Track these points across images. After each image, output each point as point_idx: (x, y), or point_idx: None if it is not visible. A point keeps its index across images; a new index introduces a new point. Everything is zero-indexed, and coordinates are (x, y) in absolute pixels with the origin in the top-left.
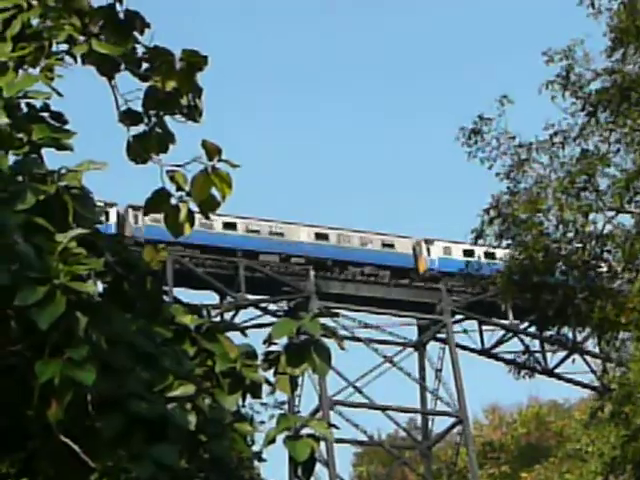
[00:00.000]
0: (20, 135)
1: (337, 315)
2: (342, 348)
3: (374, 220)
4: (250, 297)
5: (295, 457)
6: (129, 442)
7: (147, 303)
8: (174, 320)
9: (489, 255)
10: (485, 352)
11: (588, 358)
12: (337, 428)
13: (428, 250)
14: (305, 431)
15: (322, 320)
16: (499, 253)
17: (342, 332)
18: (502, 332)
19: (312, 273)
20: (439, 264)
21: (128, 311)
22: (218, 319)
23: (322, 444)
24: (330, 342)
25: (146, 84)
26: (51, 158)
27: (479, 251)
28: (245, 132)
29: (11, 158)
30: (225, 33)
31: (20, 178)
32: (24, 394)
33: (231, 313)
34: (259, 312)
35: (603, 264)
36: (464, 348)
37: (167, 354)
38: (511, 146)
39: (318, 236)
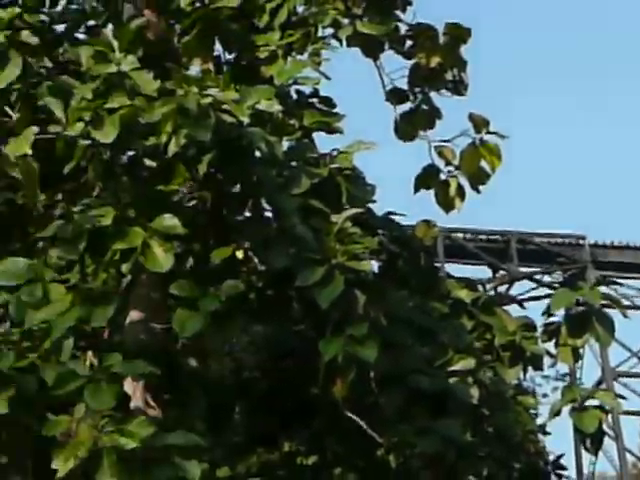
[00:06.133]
0: (292, 121)
1: (618, 284)
2: (625, 316)
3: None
4: (523, 270)
5: (582, 429)
6: (412, 417)
7: (422, 279)
8: (449, 295)
9: None
10: None
11: None
12: (624, 399)
13: None
14: (590, 402)
15: (602, 289)
16: None
17: (623, 302)
18: None
19: (587, 242)
20: None
21: (403, 288)
22: (492, 293)
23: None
24: (611, 312)
25: (410, 62)
26: (319, 141)
27: None
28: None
29: (285, 144)
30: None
31: (294, 163)
32: (308, 373)
33: (505, 287)
34: (533, 284)
35: None
36: None
37: (445, 329)
38: None
39: None
